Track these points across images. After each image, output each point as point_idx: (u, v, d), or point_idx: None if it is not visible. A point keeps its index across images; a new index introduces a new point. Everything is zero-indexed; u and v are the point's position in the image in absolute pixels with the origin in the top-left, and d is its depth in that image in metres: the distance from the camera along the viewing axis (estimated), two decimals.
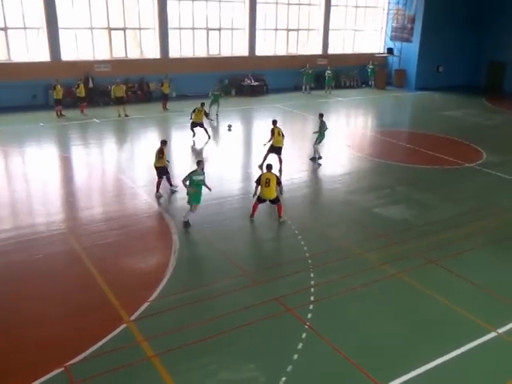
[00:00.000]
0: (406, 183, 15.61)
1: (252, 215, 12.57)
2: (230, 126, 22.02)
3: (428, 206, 13.93)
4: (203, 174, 12.02)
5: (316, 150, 17.71)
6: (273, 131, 16.25)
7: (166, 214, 12.83)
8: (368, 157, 18.48)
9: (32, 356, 7.55)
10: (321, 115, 17.85)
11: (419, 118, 27.33)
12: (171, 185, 14.21)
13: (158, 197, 13.84)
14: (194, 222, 12.34)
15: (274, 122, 16.63)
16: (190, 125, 20.20)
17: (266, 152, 16.40)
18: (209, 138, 20.31)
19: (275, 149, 16.29)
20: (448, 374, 7.47)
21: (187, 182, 11.84)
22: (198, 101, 22.28)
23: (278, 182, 12.33)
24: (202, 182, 11.96)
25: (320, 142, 17.67)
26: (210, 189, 12.21)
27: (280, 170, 16.22)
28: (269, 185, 12.08)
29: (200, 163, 12.04)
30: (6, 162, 17.26)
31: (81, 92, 23.70)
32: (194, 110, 20.22)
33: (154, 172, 13.97)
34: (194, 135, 20.26)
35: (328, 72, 31.93)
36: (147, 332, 8.10)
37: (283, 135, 16.40)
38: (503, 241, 11.89)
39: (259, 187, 12.26)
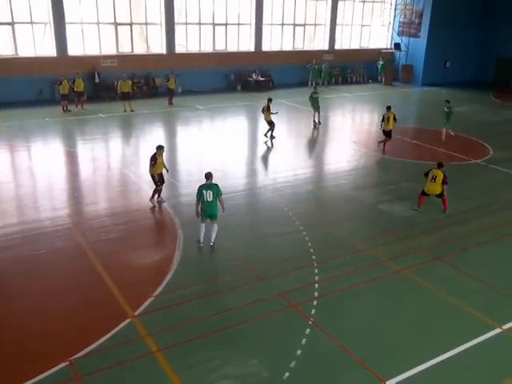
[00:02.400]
0: (411, 179, 15.53)
1: (419, 206, 13.09)
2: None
3: (433, 202, 13.84)
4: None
5: (444, 133, 20.03)
6: (383, 117, 18.24)
7: (170, 209, 12.85)
8: (374, 153, 18.41)
9: (37, 350, 7.60)
10: (447, 101, 20.26)
11: (425, 113, 27.17)
12: (152, 197, 13.05)
13: (160, 202, 13.07)
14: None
15: (388, 108, 18.29)
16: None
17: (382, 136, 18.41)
18: (272, 138, 19.45)
19: (386, 132, 18.29)
20: (452, 370, 7.45)
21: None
22: (203, 96, 22.25)
23: (445, 182, 12.55)
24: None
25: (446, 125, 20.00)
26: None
27: (384, 149, 18.33)
28: (435, 181, 12.59)
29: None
30: (12, 156, 17.34)
31: (78, 87, 23.61)
32: (263, 109, 19.58)
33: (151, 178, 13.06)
34: (271, 137, 19.51)
35: (324, 66, 31.59)
36: (151, 327, 8.13)
37: (395, 119, 18.25)
38: (509, 237, 11.82)
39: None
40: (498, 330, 8.32)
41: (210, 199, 10.36)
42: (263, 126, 22.17)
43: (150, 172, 12.92)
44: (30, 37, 24.82)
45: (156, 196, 13.11)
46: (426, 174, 12.90)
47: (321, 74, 32.03)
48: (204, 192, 10.36)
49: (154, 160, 12.70)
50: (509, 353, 7.90)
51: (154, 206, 12.98)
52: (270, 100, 19.68)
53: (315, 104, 21.87)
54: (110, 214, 12.52)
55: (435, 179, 12.64)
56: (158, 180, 12.95)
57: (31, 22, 24.60)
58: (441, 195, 12.84)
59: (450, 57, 34.92)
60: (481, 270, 10.28)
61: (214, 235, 10.74)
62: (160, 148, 12.86)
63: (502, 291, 9.53)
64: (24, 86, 24.30)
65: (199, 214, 10.68)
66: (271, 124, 19.34)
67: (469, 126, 22.87)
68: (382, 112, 19.44)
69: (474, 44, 35.30)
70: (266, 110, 19.34)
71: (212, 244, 10.73)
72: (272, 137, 19.42)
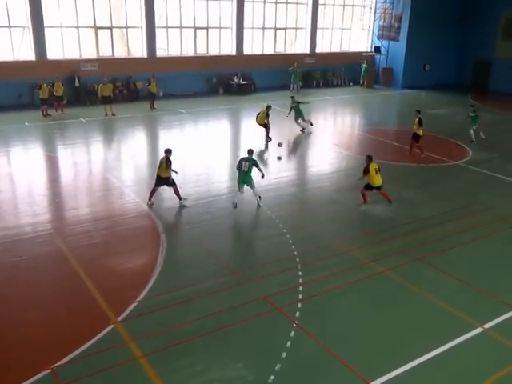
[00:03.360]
0: (393, 181, 15.65)
1: (365, 201, 13.47)
2: (280, 144, 17.93)
3: (415, 203, 14.02)
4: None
5: (472, 134, 20.52)
6: (420, 121, 17.84)
7: (153, 213, 12.76)
8: (356, 155, 18.54)
9: (18, 358, 7.47)
10: (472, 106, 21.38)
11: (406, 116, 27.37)
12: (180, 198, 13.17)
13: (150, 205, 13.07)
14: (182, 221, 12.32)
15: (419, 112, 18.16)
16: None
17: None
18: (268, 140, 19.39)
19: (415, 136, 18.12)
20: (435, 370, 7.52)
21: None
22: (185, 100, 22.15)
23: (379, 169, 13.38)
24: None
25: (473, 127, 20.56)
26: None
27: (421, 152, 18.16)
28: (377, 172, 13.15)
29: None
30: None
31: (57, 91, 23.31)
32: (260, 113, 19.53)
33: (154, 180, 13.25)
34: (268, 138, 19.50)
35: (295, 69, 31.27)
36: (135, 332, 8.06)
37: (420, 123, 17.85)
38: (489, 237, 12.00)
39: (366, 177, 13.26)
40: (479, 329, 8.43)
41: (246, 169, 12.83)
42: (246, 128, 22.22)
43: (165, 175, 12.92)
44: (8, 41, 24.48)
45: (151, 198, 13.21)
46: (366, 171, 13.17)
47: (296, 76, 31.96)
48: (243, 163, 12.89)
49: (170, 162, 12.83)
50: (490, 351, 8.01)
51: (152, 204, 13.17)
52: (269, 107, 19.60)
53: (298, 111, 21.55)
54: (92, 220, 12.39)
55: (377, 171, 13.18)
56: (173, 183, 13.14)
57: (9, 26, 24.27)
58: (380, 187, 13.33)
59: (428, 60, 35.38)
60: (462, 270, 10.41)
61: (256, 195, 13.19)
62: (170, 151, 13.01)
63: (483, 291, 9.66)
64: (3, 90, 23.92)
65: (238, 182, 13.13)
66: (266, 127, 19.43)
67: (448, 128, 23.15)
68: (363, 114, 19.67)
69: (452, 47, 35.85)
70: (263, 115, 19.39)
71: (258, 200, 13.19)
72: (268, 139, 19.46)
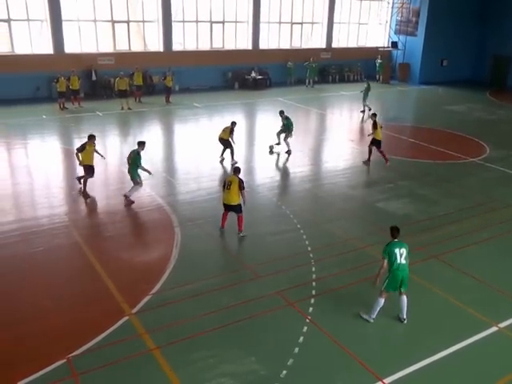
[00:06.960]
0: (408, 178, 15.58)
1: (222, 225, 11.45)
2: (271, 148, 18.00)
3: (430, 200, 13.89)
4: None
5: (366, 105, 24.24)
6: (375, 124, 16.36)
7: (167, 207, 12.84)
8: None
9: (34, 348, 7.60)
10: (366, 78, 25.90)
11: (422, 112, 27.21)
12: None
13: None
14: (196, 215, 12.36)
15: (375, 115, 16.84)
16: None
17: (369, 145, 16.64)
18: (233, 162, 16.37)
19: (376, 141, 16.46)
20: (448, 368, 7.49)
21: None
22: (201, 94, 22.14)
23: (242, 187, 10.89)
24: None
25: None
26: None
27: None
28: (229, 188, 10.89)
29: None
30: (10, 154, 17.29)
31: (73, 84, 23.45)
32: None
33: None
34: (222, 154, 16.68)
35: (310, 64, 31.18)
36: (149, 325, 8.14)
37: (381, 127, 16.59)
38: (505, 235, 11.87)
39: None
40: (494, 328, 8.37)
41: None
42: (261, 123, 22.16)
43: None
44: (27, 34, 24.74)
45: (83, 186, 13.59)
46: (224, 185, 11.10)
47: (319, 72, 32.02)
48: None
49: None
50: (505, 350, 7.94)
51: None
52: (233, 123, 16.36)
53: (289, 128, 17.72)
54: (108, 212, 12.51)
55: (230, 186, 10.85)
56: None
57: (28, 19, 24.51)
58: (238, 210, 11.10)
59: (446, 55, 34.93)
60: (477, 268, 10.31)
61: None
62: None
63: (498, 289, 9.57)
64: (21, 83, 24.20)
65: None
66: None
67: (466, 124, 22.92)
68: (379, 110, 19.45)
69: (470, 43, 35.33)
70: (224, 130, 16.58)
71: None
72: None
